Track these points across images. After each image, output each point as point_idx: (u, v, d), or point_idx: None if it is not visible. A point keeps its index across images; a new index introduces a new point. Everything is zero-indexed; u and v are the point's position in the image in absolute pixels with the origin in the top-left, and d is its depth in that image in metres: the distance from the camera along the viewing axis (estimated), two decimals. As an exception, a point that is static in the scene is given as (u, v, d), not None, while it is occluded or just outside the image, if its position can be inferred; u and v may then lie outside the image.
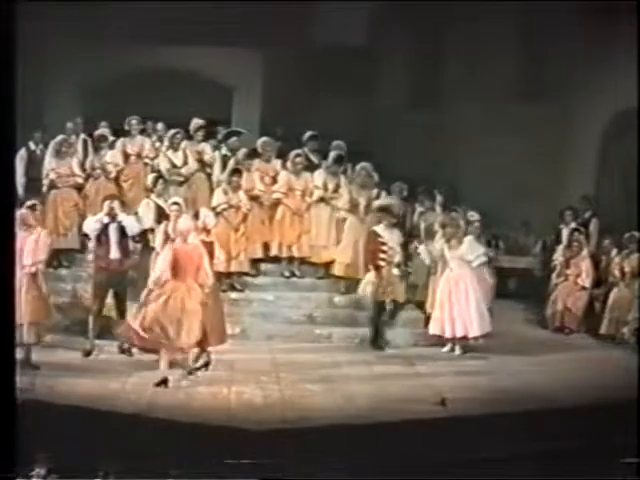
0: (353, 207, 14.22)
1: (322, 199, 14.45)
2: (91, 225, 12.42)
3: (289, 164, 14.57)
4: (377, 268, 13.03)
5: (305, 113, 16.83)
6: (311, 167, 14.76)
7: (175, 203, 12.33)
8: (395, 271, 13.04)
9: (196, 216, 12.24)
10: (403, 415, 9.88)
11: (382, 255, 13.04)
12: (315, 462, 8.52)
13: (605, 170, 17.06)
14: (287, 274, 14.36)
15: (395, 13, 17.45)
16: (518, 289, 14.57)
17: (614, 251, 14.16)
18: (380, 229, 13.21)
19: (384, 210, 13.45)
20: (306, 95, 17.74)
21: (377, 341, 13.06)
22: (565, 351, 13.31)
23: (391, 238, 13.13)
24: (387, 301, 13.09)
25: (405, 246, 13.43)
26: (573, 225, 14.87)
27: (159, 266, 11.02)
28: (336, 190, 14.35)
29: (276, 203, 14.42)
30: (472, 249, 13.04)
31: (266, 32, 17.46)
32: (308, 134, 15.29)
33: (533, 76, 17.49)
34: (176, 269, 10.85)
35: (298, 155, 14.55)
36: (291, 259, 14.38)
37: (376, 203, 14.02)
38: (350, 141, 14.97)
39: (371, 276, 13.04)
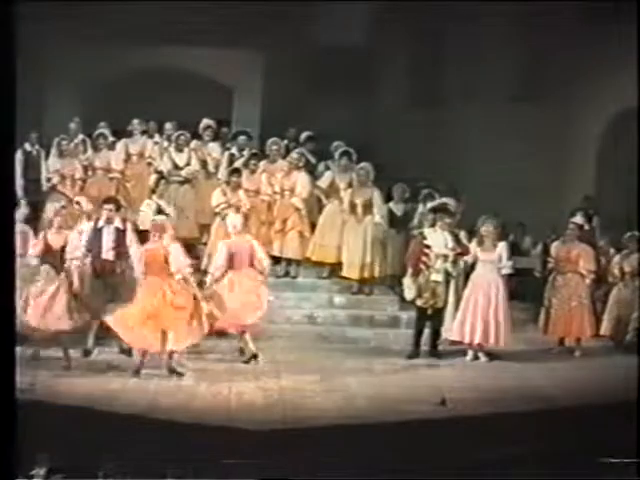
0: (352, 207, 14.21)
1: (319, 199, 14.50)
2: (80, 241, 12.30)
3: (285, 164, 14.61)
4: (417, 272, 12.60)
5: (305, 113, 16.83)
6: (310, 167, 14.78)
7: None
8: (434, 276, 12.53)
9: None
10: (403, 415, 9.88)
11: (424, 259, 12.56)
12: (315, 462, 8.51)
13: (605, 170, 17.05)
14: (282, 274, 14.37)
15: (395, 13, 17.44)
16: (518, 289, 14.52)
17: (614, 251, 14.13)
18: (428, 232, 12.74)
19: (440, 211, 12.92)
20: (306, 95, 17.74)
21: (417, 351, 12.66)
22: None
23: (437, 242, 12.60)
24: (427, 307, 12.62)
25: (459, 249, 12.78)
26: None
27: (217, 262, 12.16)
28: (347, 187, 14.27)
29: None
30: (506, 255, 12.66)
31: (266, 32, 17.45)
32: (305, 134, 15.34)
33: (533, 76, 17.48)
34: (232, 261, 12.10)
35: (293, 154, 14.58)
36: (290, 260, 14.39)
37: (429, 204, 13.73)
38: (350, 141, 14.97)
39: (409, 281, 12.64)
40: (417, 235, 13.06)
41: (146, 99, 16.86)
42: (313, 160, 15.08)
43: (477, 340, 12.58)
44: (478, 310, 12.55)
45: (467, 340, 12.63)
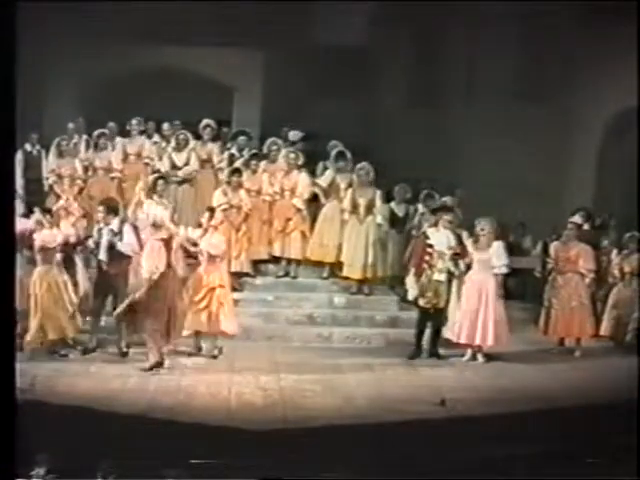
0: (354, 208, 14.21)
1: (317, 198, 14.51)
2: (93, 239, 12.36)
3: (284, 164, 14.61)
4: (420, 272, 12.54)
5: (305, 113, 16.84)
6: (302, 166, 14.77)
7: None
8: (437, 276, 12.48)
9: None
10: (403, 415, 9.88)
11: (427, 258, 12.50)
12: (315, 462, 8.51)
13: (605, 170, 17.07)
14: (282, 274, 14.37)
15: (395, 13, 17.45)
16: (518, 289, 14.52)
17: (614, 251, 14.14)
18: (431, 231, 12.68)
19: (442, 210, 12.90)
20: (306, 95, 17.75)
21: (417, 351, 12.63)
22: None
23: (440, 241, 12.54)
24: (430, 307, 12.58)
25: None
26: None
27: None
28: (347, 187, 14.26)
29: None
30: (499, 255, 12.52)
31: (266, 32, 17.47)
32: (299, 134, 15.35)
33: (533, 76, 17.49)
34: None
35: (290, 154, 14.57)
36: (290, 260, 14.39)
37: (431, 205, 13.70)
38: (350, 141, 14.97)
39: (411, 280, 12.59)
40: (420, 234, 13.05)
41: (146, 99, 16.87)
42: (305, 159, 15.06)
43: (464, 340, 12.55)
44: (471, 310, 12.51)
45: (461, 341, 12.61)
